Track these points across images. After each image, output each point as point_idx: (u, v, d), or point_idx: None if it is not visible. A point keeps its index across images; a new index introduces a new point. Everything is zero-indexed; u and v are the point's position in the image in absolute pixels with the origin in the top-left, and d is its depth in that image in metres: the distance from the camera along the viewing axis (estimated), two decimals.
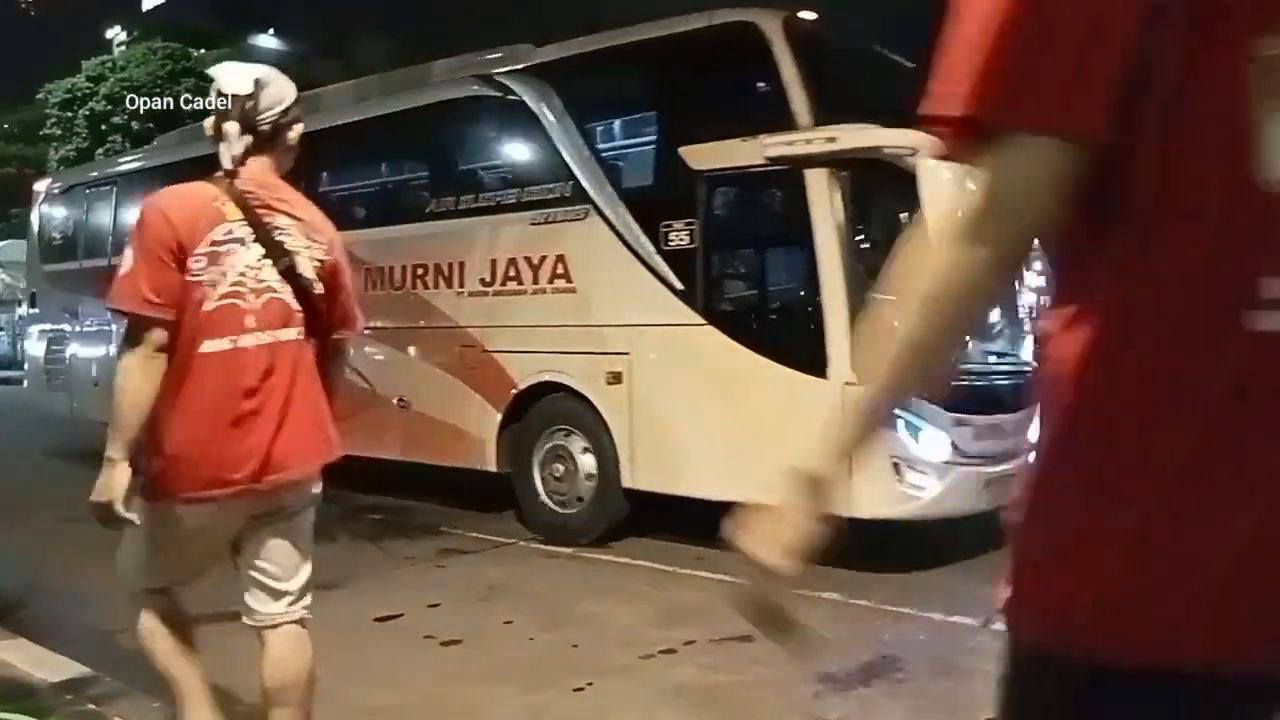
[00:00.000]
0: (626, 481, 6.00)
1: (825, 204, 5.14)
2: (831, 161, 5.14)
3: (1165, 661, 0.75)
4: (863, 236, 5.32)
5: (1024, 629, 0.86)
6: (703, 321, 5.64)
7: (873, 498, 5.12)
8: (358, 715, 3.29)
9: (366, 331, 7.39)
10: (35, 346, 11.44)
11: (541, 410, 6.48)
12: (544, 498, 6.46)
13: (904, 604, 4.75)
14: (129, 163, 11.19)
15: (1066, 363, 0.81)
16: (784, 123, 5.30)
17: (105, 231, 10.21)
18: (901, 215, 5.77)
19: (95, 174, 11.20)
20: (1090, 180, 0.78)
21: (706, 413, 5.62)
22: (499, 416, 6.64)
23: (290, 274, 2.27)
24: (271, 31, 51.59)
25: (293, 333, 2.28)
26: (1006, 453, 5.77)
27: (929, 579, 5.20)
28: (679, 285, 5.74)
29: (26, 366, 11.99)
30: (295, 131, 2.38)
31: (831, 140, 5.06)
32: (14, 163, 40.66)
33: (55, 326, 10.88)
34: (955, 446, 5.28)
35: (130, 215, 10.02)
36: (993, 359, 5.84)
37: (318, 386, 2.38)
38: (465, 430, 6.84)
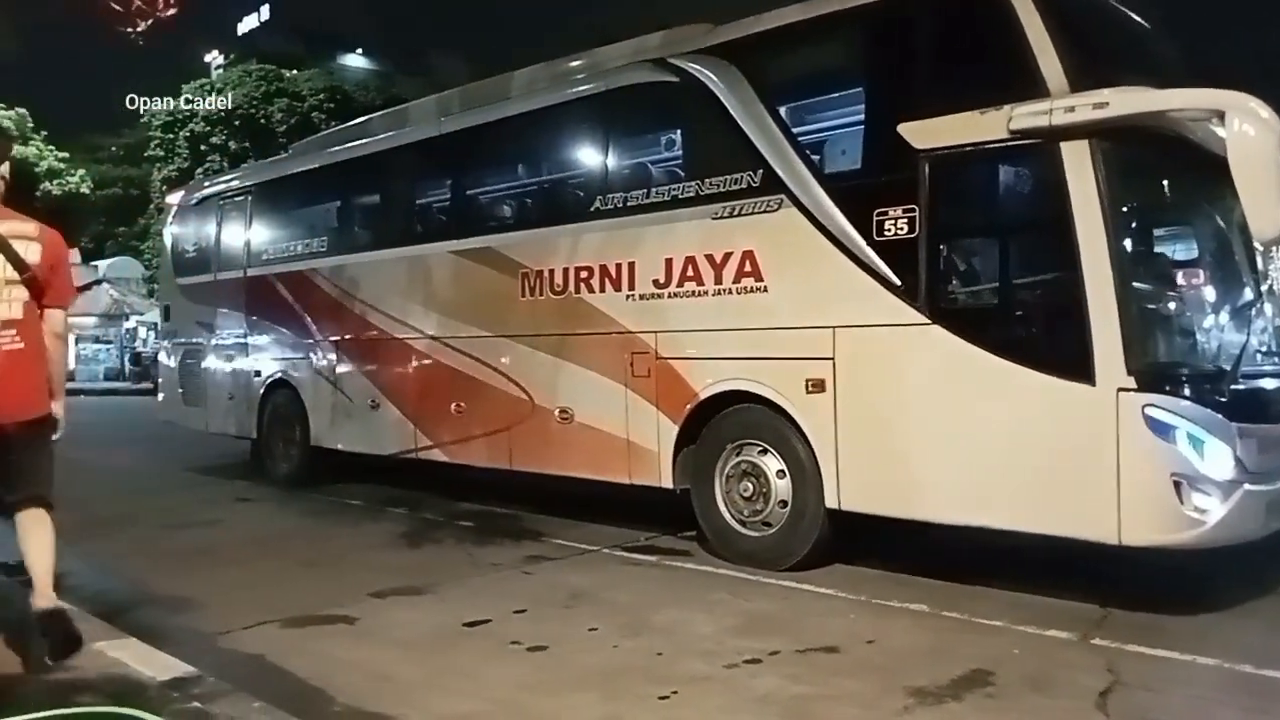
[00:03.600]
0: (830, 501, 5.36)
1: (1088, 180, 4.41)
2: (1091, 132, 4.45)
3: None
4: (1129, 217, 4.61)
5: None
6: (927, 320, 4.96)
7: (1150, 523, 4.43)
8: None
9: (522, 339, 6.99)
10: (169, 360, 11.20)
11: (726, 421, 5.90)
12: (729, 519, 5.87)
13: (996, 617, 4.56)
14: (263, 173, 10.91)
15: None
16: (1025, 90, 4.62)
17: (240, 243, 9.96)
18: (1173, 189, 5.06)
19: (228, 185, 10.93)
20: None
21: (934, 423, 4.95)
22: (675, 428, 6.09)
23: None
24: (359, 51, 52.73)
25: None
26: None
27: (1021, 591, 4.93)
28: (896, 280, 5.07)
29: (160, 380, 11.76)
30: None
31: (1101, 106, 4.35)
32: (120, 183, 42.09)
33: (189, 340, 10.68)
34: (1239, 461, 4.51)
35: (265, 225, 9.76)
36: (1267, 362, 5.05)
37: None
38: (636, 443, 6.30)
